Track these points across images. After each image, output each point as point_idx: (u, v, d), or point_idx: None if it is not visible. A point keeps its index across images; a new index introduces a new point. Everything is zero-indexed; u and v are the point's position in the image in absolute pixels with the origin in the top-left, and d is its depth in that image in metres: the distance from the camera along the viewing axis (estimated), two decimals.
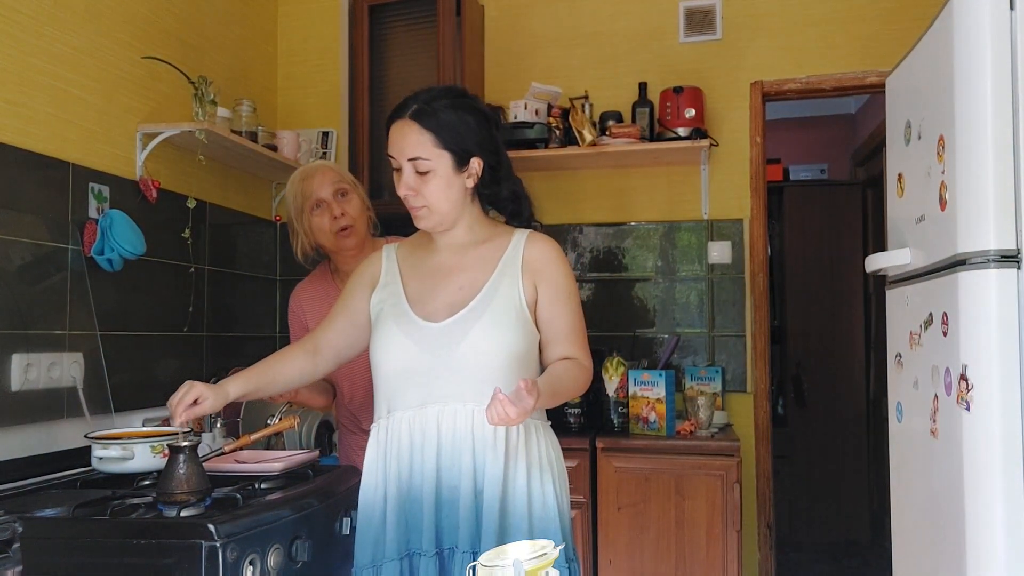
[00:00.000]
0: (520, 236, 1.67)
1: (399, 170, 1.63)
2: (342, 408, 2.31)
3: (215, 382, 1.66)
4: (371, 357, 1.64)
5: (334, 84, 3.37)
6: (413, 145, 1.59)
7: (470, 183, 1.63)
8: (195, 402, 1.58)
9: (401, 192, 1.62)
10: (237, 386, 1.66)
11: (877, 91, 2.90)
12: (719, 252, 3.30)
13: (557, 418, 2.41)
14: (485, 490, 1.52)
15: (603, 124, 3.22)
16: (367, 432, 1.69)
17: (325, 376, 1.81)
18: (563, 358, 1.63)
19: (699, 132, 3.12)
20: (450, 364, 1.56)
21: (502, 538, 1.50)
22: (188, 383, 1.61)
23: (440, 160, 1.59)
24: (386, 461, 1.59)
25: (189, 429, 1.62)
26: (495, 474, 1.52)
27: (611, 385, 2.96)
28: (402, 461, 1.57)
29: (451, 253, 1.68)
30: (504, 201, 1.72)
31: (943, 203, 1.77)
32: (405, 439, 1.57)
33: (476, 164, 1.63)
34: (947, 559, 1.74)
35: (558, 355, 1.64)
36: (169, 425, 1.65)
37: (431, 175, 1.59)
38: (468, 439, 1.54)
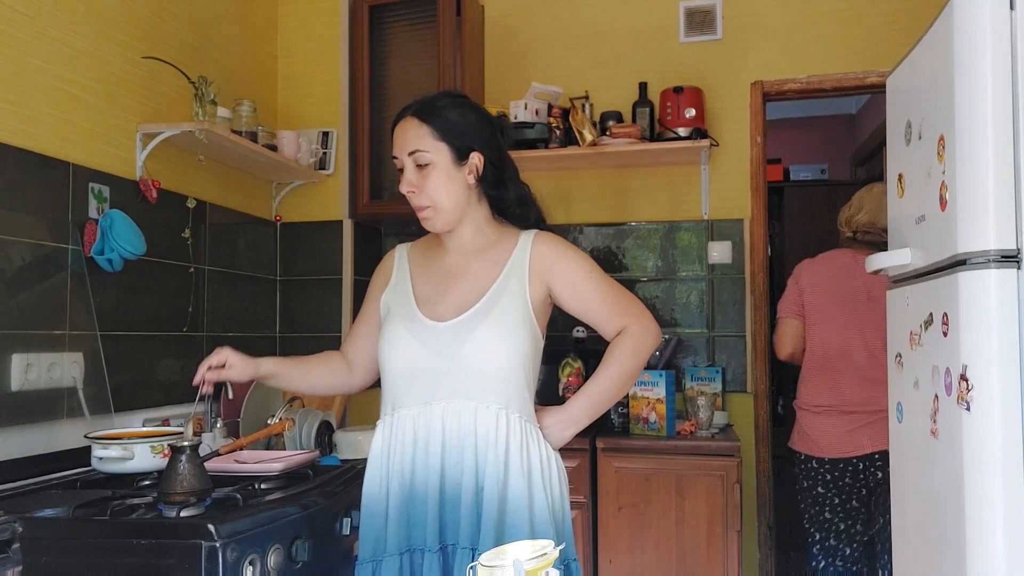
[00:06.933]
0: (527, 237, 1.69)
1: (402, 170, 1.65)
2: None
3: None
4: (378, 355, 1.67)
5: (334, 84, 3.37)
6: (412, 139, 1.62)
7: (471, 179, 1.65)
8: (223, 368, 1.66)
9: (404, 189, 1.64)
10: (269, 364, 1.75)
11: (877, 91, 2.90)
12: (719, 252, 3.30)
13: None
14: (485, 487, 1.53)
15: (603, 124, 3.22)
16: None
17: (365, 386, 1.84)
18: (617, 333, 1.68)
19: (699, 132, 3.12)
20: (455, 363, 1.57)
21: (500, 535, 1.51)
22: (219, 348, 1.69)
23: (439, 153, 1.61)
24: (390, 457, 1.60)
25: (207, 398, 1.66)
26: (495, 472, 1.53)
27: None
28: (405, 457, 1.58)
29: (460, 255, 1.70)
30: (511, 204, 1.73)
31: (943, 203, 1.76)
32: (409, 436, 1.58)
33: (476, 159, 1.65)
34: (947, 559, 1.74)
35: (612, 332, 1.69)
36: (170, 424, 1.67)
37: (431, 168, 1.62)
38: (471, 436, 1.55)
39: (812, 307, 2.85)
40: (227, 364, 1.66)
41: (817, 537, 2.82)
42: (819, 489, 2.80)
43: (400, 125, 1.66)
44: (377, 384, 1.73)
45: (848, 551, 2.79)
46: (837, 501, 2.77)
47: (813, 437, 2.81)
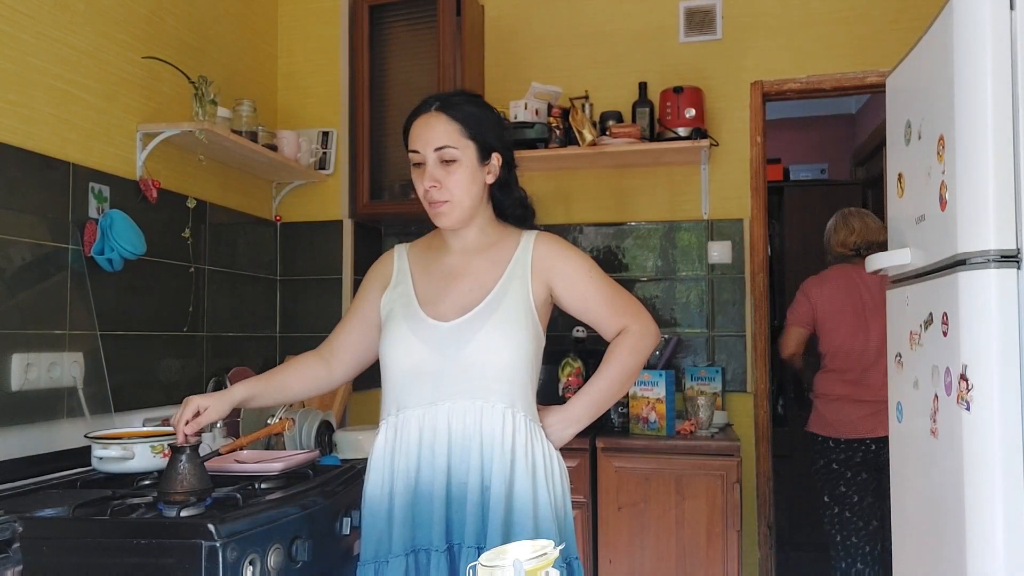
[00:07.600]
0: (528, 238, 1.70)
1: (420, 165, 1.63)
2: None
3: (215, 382, 1.67)
4: (380, 356, 1.66)
5: (334, 84, 3.37)
6: (440, 134, 1.60)
7: (490, 179, 1.66)
8: (197, 414, 1.61)
9: (425, 185, 1.61)
10: (242, 390, 1.70)
11: (877, 91, 2.90)
12: (719, 252, 3.30)
13: None
14: (492, 487, 1.53)
15: (603, 124, 3.22)
16: None
17: (344, 382, 1.82)
18: (616, 333, 1.68)
19: (699, 132, 3.12)
20: (459, 363, 1.57)
21: (507, 534, 1.51)
22: (185, 399, 1.64)
23: (466, 151, 1.61)
24: (394, 458, 1.60)
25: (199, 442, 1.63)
26: (502, 471, 1.54)
27: None
28: (411, 458, 1.58)
29: (462, 255, 1.69)
30: (513, 206, 1.74)
31: (943, 203, 1.77)
32: (415, 436, 1.58)
33: (496, 159, 1.66)
34: (947, 559, 1.74)
35: (612, 331, 1.69)
36: (170, 424, 1.66)
37: (456, 165, 1.60)
38: (477, 436, 1.56)
39: (825, 318, 3.17)
40: (200, 410, 1.61)
41: (836, 510, 3.10)
42: (833, 466, 3.11)
43: (423, 119, 1.63)
44: (370, 383, 1.72)
45: (862, 524, 3.06)
46: (849, 475, 3.08)
47: (830, 420, 3.12)
